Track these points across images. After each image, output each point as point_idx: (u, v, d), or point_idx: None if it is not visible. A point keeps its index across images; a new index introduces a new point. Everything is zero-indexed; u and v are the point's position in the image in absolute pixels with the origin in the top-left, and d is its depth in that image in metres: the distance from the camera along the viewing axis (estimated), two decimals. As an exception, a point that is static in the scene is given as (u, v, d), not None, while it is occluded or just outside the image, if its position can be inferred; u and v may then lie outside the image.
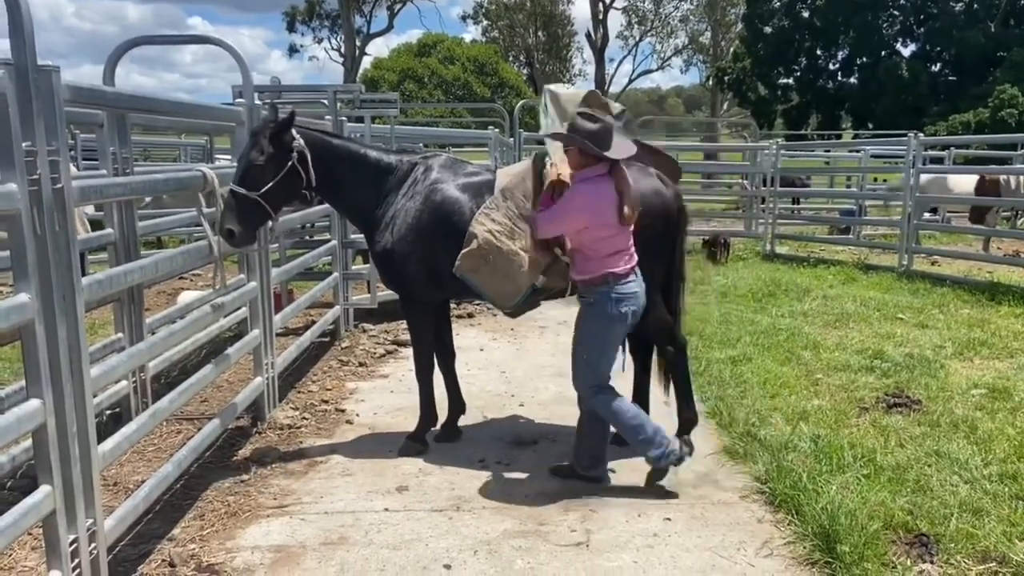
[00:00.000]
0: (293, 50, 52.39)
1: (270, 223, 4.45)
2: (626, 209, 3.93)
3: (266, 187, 4.17)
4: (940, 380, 6.07)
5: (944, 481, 4.23)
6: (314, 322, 7.13)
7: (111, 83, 4.98)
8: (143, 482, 3.70)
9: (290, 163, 4.21)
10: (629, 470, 4.46)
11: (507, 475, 4.47)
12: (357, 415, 5.48)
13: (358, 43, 48.93)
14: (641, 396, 4.86)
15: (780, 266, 12.06)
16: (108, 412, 5.03)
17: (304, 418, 5.33)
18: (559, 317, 8.39)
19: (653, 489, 4.22)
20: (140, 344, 4.17)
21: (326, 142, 4.47)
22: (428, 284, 4.58)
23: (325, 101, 7.28)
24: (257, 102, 5.21)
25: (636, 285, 4.08)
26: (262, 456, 4.64)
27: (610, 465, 4.50)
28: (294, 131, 4.24)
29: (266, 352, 5.20)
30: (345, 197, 4.65)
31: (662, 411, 5.07)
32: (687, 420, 4.66)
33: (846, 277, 10.87)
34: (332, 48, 51.28)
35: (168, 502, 4.11)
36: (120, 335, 5.06)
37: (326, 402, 5.69)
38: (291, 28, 51.05)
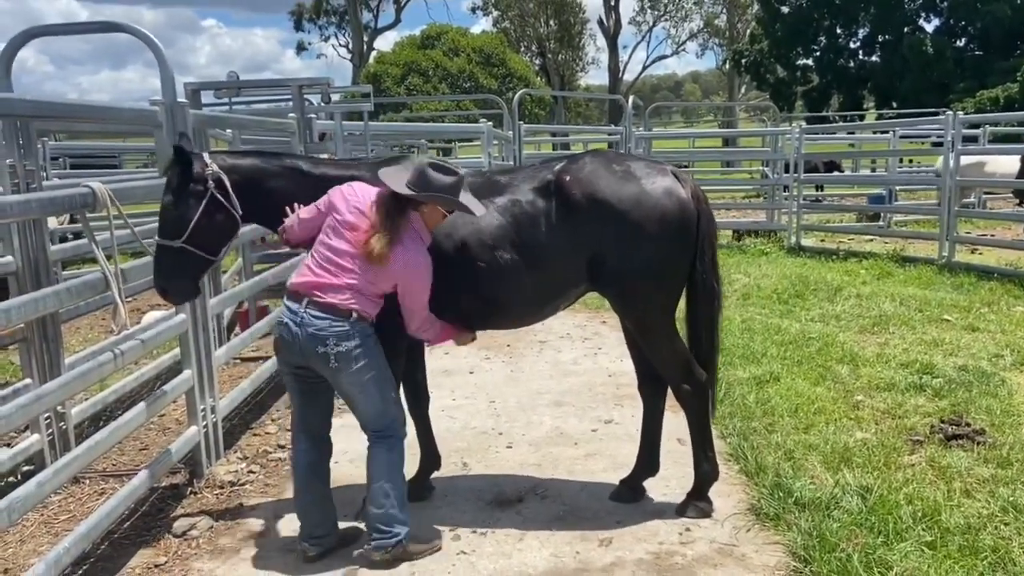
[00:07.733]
0: (301, 48, 51.81)
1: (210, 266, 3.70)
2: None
3: (188, 231, 3.38)
4: (1003, 401, 5.17)
5: (1028, 547, 3.37)
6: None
7: (7, 84, 4.21)
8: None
9: (208, 196, 3.39)
10: (635, 539, 3.63)
11: (482, 551, 3.63)
12: (316, 464, 4.65)
13: (366, 39, 48.11)
14: (649, 443, 4.01)
15: (807, 260, 11.11)
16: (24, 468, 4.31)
17: (251, 471, 4.51)
18: (561, 330, 7.55)
19: (668, 569, 3.38)
20: (49, 384, 3.39)
21: (251, 164, 3.63)
22: (392, 324, 3.61)
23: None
24: (183, 100, 4.39)
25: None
26: (188, 528, 3.83)
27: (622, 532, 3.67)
28: (206, 158, 3.44)
29: (203, 395, 4.40)
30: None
31: (677, 453, 4.23)
32: (704, 475, 3.80)
33: (881, 271, 9.91)
34: (340, 45, 50.59)
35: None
36: (28, 380, 4.30)
37: (282, 447, 4.88)
38: (298, 26, 50.37)
